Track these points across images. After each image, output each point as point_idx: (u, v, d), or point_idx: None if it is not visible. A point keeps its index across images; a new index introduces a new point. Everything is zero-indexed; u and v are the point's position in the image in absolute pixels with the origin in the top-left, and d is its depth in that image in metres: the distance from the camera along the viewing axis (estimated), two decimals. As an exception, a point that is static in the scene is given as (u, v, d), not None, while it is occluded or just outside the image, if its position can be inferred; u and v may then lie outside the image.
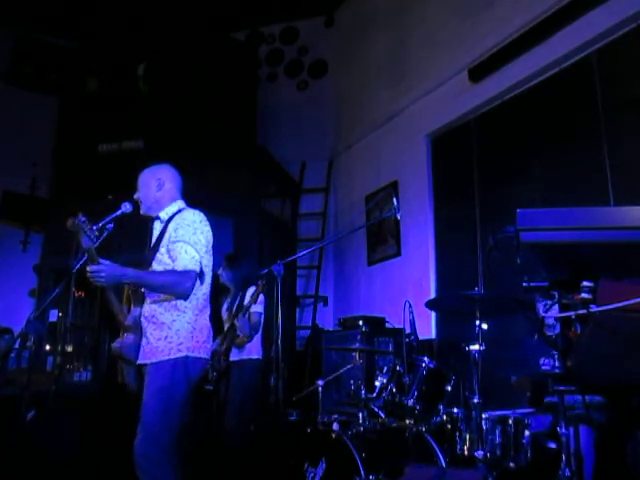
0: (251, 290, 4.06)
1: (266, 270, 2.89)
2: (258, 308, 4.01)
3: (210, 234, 2.60)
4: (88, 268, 2.30)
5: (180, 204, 2.68)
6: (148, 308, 2.50)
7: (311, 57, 7.79)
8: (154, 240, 2.62)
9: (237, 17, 7.40)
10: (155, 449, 2.26)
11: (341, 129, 7.35)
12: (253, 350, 4.02)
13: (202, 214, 2.61)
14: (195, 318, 2.49)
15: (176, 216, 2.57)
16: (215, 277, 4.40)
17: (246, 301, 3.95)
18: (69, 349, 5.29)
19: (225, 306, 4.17)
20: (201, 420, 3.94)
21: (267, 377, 4.32)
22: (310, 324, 6.67)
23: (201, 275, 2.52)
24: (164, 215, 2.63)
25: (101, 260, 2.31)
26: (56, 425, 3.84)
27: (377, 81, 6.62)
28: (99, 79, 6.17)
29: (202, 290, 2.55)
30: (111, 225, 2.46)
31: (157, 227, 2.66)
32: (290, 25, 7.79)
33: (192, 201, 2.79)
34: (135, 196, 2.67)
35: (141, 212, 2.68)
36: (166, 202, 2.65)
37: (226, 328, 4.06)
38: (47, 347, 5.47)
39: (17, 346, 4.80)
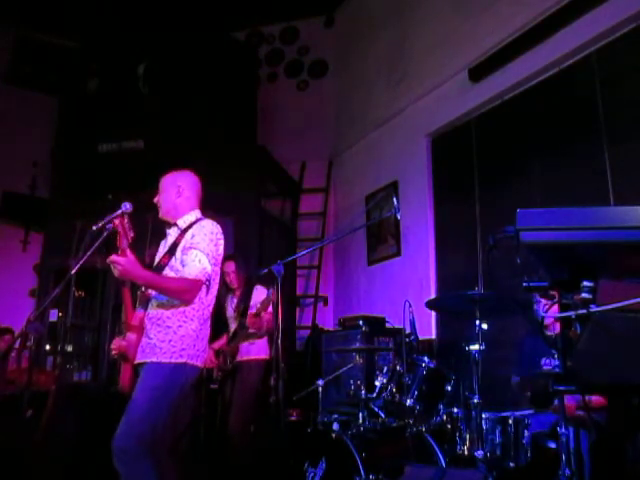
0: (258, 290, 4.04)
1: (266, 270, 2.90)
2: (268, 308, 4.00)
3: (222, 247, 2.64)
4: (110, 257, 2.38)
5: (197, 213, 2.73)
6: (155, 312, 2.52)
7: (311, 57, 7.77)
8: (168, 246, 2.65)
9: (237, 17, 7.39)
10: (134, 444, 2.26)
11: (341, 129, 7.35)
12: (261, 350, 4.02)
13: (219, 227, 2.65)
14: (200, 327, 2.53)
15: (195, 225, 2.61)
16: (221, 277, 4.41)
17: (252, 302, 3.95)
18: (69, 349, 5.29)
19: (231, 307, 4.16)
20: (204, 419, 3.94)
21: (267, 377, 4.32)
22: (310, 324, 6.66)
23: (208, 286, 2.55)
24: (182, 223, 2.67)
25: (129, 254, 2.42)
26: (56, 425, 3.83)
27: (377, 81, 6.61)
28: (99, 79, 6.16)
29: (208, 301, 2.59)
30: (111, 225, 2.48)
31: (172, 233, 2.70)
32: (290, 25, 7.79)
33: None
34: (155, 200, 2.73)
35: (159, 216, 2.74)
36: (184, 210, 2.70)
37: (233, 328, 4.04)
38: (47, 347, 5.47)
39: (17, 346, 4.80)
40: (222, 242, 2.63)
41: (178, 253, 2.56)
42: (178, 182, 2.72)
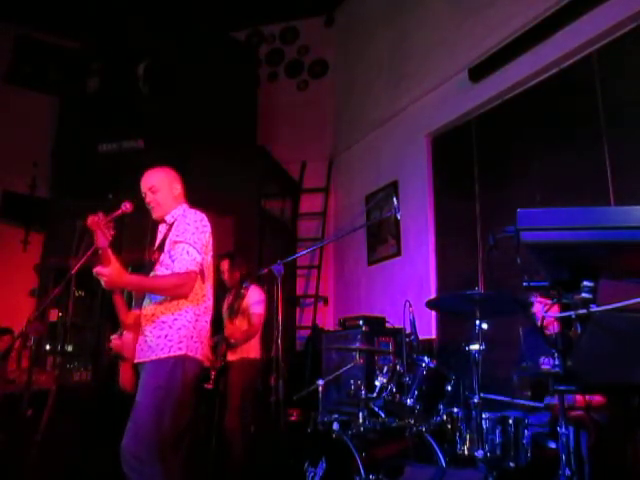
0: (252, 290, 4.06)
1: (266, 270, 2.90)
2: (258, 309, 4.01)
3: (209, 234, 2.60)
4: (95, 269, 2.34)
5: (185, 206, 2.71)
6: (148, 308, 2.50)
7: (311, 57, 7.78)
8: (159, 242, 2.64)
9: (237, 17, 7.39)
10: (144, 447, 2.25)
11: (341, 129, 7.35)
12: (251, 350, 4.03)
13: (203, 214, 2.63)
14: (196, 318, 2.49)
15: (179, 217, 2.60)
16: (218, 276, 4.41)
17: (245, 302, 3.99)
18: (69, 349, 5.28)
19: (225, 305, 4.17)
20: (202, 419, 3.94)
21: (267, 377, 4.33)
22: (310, 324, 6.66)
23: (202, 275, 2.53)
24: (170, 218, 2.66)
25: (111, 256, 2.37)
26: (56, 425, 3.83)
27: (377, 81, 6.62)
28: (99, 79, 6.16)
29: (203, 290, 2.56)
30: (111, 225, 2.46)
31: (162, 230, 2.70)
32: (290, 25, 7.79)
33: (192, 201, 2.80)
34: (148, 200, 2.65)
35: (154, 217, 2.68)
36: (174, 206, 2.68)
37: (225, 328, 4.07)
38: (47, 347, 5.47)
39: (17, 346, 4.80)
40: (208, 229, 2.59)
41: (166, 247, 2.54)
42: (173, 181, 2.69)
